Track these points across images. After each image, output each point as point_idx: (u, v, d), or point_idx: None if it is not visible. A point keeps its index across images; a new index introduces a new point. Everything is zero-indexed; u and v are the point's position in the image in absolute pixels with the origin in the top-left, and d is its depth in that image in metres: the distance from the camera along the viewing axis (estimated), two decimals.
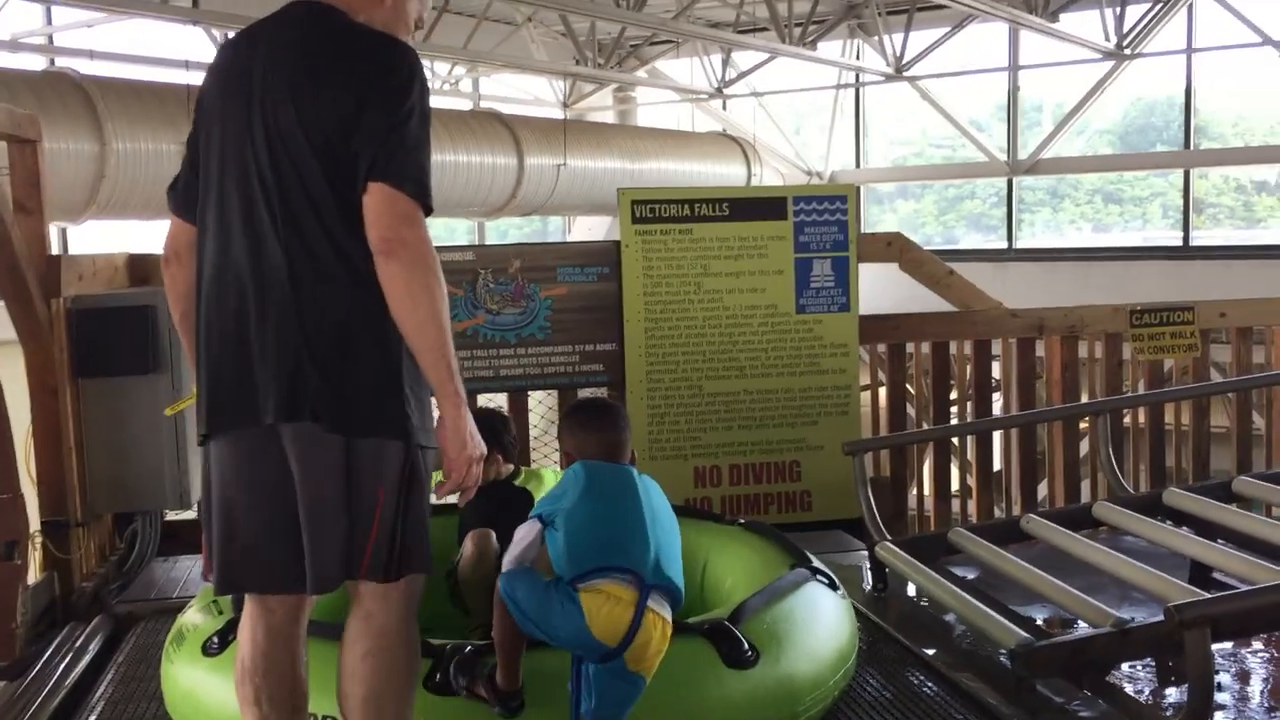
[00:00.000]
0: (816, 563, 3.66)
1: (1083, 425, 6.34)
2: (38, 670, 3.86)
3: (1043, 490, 6.42)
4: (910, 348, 6.45)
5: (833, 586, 3.47)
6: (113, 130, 8.32)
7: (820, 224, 5.96)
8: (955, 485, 6.59)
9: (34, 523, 4.58)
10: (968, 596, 3.68)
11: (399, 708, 2.49)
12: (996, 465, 6.87)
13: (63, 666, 3.90)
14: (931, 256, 6.52)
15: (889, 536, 4.58)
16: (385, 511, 2.43)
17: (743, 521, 4.07)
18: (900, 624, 4.03)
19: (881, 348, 6.32)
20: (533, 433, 5.87)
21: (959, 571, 4.34)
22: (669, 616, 2.62)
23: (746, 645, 2.95)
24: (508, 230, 13.82)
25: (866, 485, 4.76)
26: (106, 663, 3.95)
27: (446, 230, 13.28)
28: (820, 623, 3.22)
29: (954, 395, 6.48)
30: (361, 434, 2.41)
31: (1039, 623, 3.81)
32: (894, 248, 6.32)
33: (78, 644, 4.10)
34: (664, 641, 2.60)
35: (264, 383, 2.39)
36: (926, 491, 6.66)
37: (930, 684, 3.57)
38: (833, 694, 3.13)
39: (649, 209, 5.81)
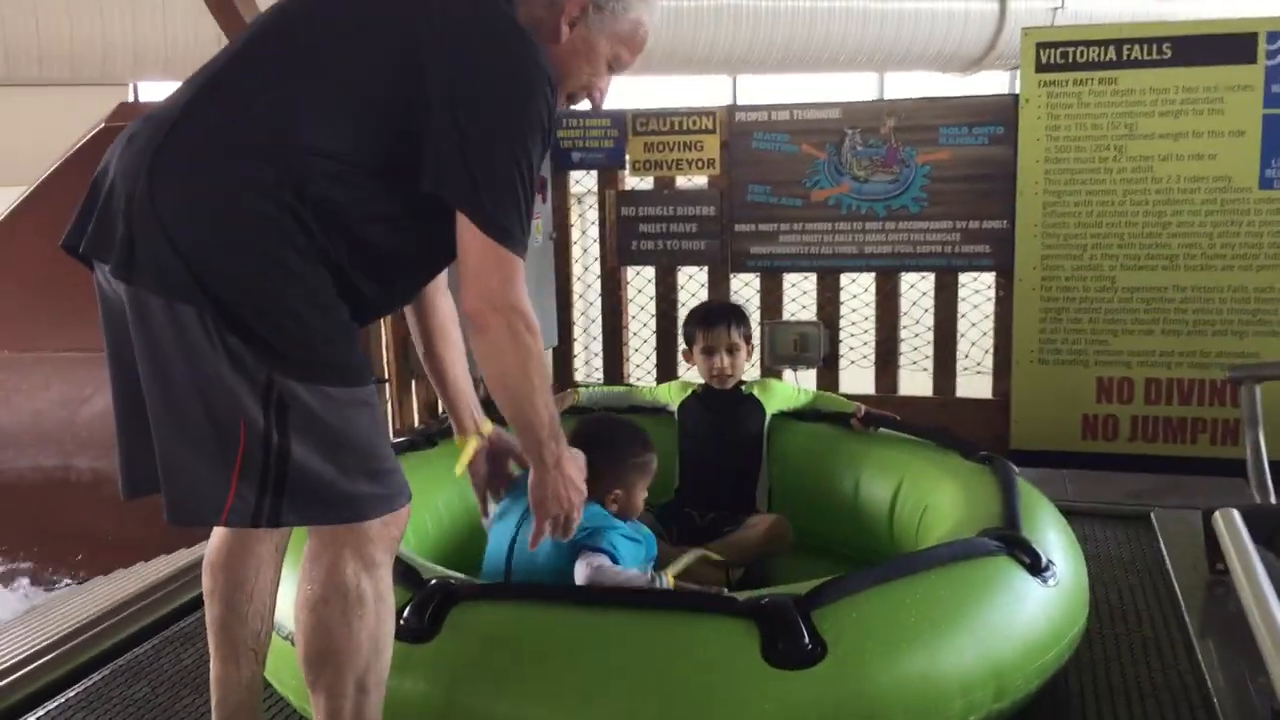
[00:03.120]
0: (1045, 529, 2.68)
1: None
2: None
3: None
4: None
5: (1034, 570, 2.49)
6: None
7: None
8: None
9: None
10: (1274, 607, 2.50)
11: (350, 674, 1.98)
12: None
13: None
14: None
15: (1273, 498, 3.33)
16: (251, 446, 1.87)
17: (987, 456, 3.09)
18: (1214, 628, 2.89)
19: None
20: (903, 322, 5.04)
21: None
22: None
23: (806, 637, 2.17)
24: None
25: (1255, 425, 3.48)
26: None
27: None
28: (965, 619, 2.31)
29: None
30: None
31: None
32: None
33: None
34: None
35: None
36: None
37: None
38: None
39: (1060, 53, 4.66)
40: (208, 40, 7.06)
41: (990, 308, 4.97)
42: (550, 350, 5.37)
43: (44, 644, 2.87)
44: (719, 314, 3.42)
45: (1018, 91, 4.73)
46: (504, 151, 1.92)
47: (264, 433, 1.87)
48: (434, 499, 3.13)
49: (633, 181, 5.30)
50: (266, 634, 2.28)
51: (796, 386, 3.66)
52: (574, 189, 5.37)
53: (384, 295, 2.06)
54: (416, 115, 1.91)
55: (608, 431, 2.75)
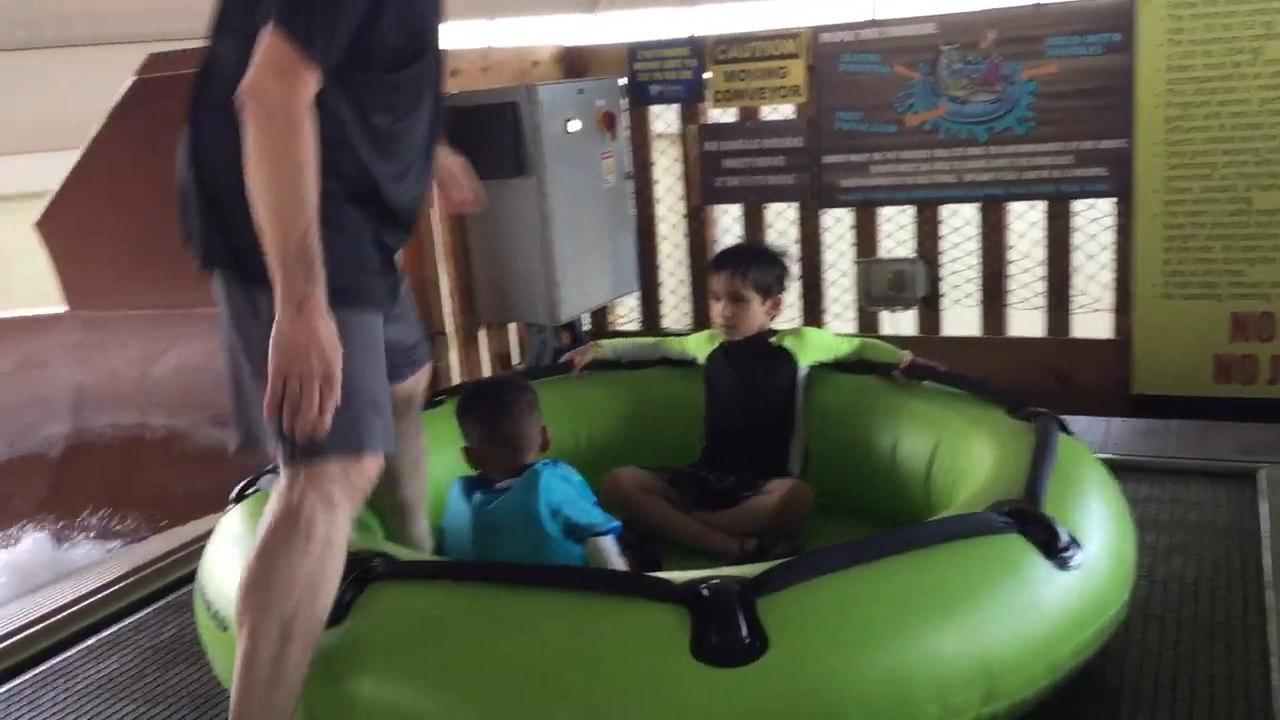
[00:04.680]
0: (1081, 500, 2.29)
1: None
2: None
3: None
4: None
5: (1050, 551, 2.12)
6: None
7: None
8: None
9: None
10: None
11: (276, 611, 1.90)
12: None
13: None
14: None
15: None
16: (245, 380, 2.03)
17: (1034, 412, 2.68)
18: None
19: None
20: (1011, 256, 4.58)
21: None
22: None
23: (744, 631, 1.88)
24: None
25: None
26: None
27: None
28: (947, 610, 1.97)
29: None
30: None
31: None
32: None
33: None
34: None
35: None
36: None
37: None
38: None
39: None
40: None
41: (1108, 237, 4.46)
42: (635, 295, 5.13)
43: (36, 615, 2.85)
44: (724, 259, 3.13)
45: None
46: None
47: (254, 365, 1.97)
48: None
49: (714, 114, 4.97)
50: None
51: (838, 334, 3.30)
52: (654, 125, 5.08)
53: (392, 167, 2.05)
54: None
55: (491, 397, 2.64)
